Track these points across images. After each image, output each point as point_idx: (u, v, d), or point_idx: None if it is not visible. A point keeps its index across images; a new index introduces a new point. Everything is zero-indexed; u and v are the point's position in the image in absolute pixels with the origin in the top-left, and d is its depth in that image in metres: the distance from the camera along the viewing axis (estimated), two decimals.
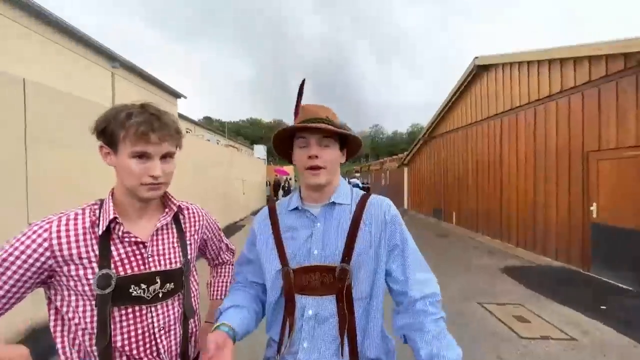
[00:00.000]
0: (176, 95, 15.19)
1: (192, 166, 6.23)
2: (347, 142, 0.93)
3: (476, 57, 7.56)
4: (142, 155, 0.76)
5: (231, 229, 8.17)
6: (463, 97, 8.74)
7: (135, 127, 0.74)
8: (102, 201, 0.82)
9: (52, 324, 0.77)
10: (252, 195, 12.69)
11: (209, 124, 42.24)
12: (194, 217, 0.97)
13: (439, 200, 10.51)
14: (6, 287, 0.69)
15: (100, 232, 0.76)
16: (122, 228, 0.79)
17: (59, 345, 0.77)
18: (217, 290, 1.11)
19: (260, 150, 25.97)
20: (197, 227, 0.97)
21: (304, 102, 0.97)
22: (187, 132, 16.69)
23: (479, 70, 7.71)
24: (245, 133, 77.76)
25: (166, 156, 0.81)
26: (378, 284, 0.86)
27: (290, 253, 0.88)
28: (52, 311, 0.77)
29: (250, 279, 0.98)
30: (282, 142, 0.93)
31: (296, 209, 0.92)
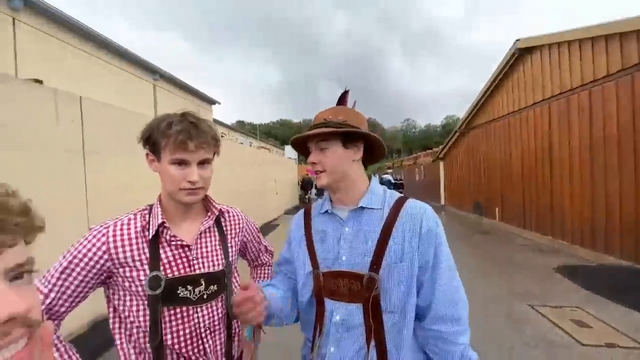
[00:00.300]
0: (211, 102, 15.94)
1: (227, 169, 6.50)
2: (356, 137, 0.86)
3: (517, 40, 6.98)
4: (180, 162, 0.81)
5: (265, 229, 8.39)
6: (504, 84, 8.12)
7: (175, 136, 0.79)
8: (151, 206, 0.87)
9: (111, 321, 0.83)
10: (285, 195, 12.95)
11: (242, 127, 43.85)
12: (235, 220, 1.01)
13: (479, 195, 9.90)
14: (72, 287, 0.76)
15: (150, 236, 0.82)
16: (169, 232, 0.84)
17: (117, 342, 0.83)
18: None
19: (291, 150, 26.30)
20: (237, 230, 1.01)
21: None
22: (222, 136, 17.38)
23: (521, 54, 7.10)
24: (276, 134, 79.62)
25: (203, 162, 0.84)
26: (412, 301, 0.80)
27: (320, 256, 0.88)
28: (111, 309, 0.84)
29: (289, 276, 1.01)
30: (305, 149, 0.95)
31: (326, 212, 0.92)
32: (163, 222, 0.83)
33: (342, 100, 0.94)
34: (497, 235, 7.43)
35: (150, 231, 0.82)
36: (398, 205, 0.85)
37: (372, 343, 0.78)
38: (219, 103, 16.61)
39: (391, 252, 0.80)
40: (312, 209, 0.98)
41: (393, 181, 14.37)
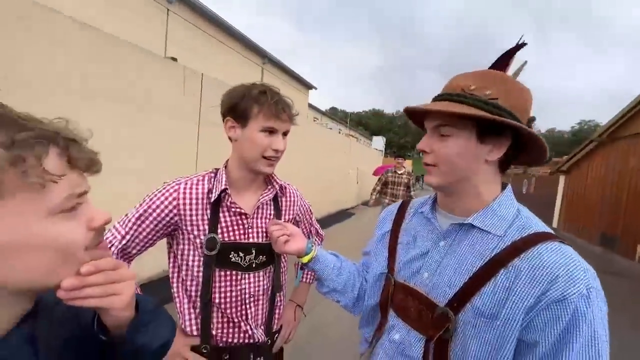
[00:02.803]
0: (308, 86, 16.68)
1: (314, 151, 6.72)
2: (512, 133, 0.58)
3: None
4: (271, 131, 0.83)
5: (340, 216, 8.47)
6: None
7: (271, 105, 0.81)
8: (217, 170, 0.91)
9: (170, 270, 0.90)
10: (366, 186, 12.79)
11: (334, 114, 44.91)
12: (291, 197, 1.01)
13: (613, 226, 7.72)
14: (144, 233, 0.83)
15: (212, 200, 0.85)
16: (229, 198, 0.87)
17: (174, 289, 0.90)
18: (305, 274, 1.16)
19: (379, 141, 25.76)
20: (292, 207, 1.01)
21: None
22: (314, 120, 18.27)
23: None
24: (367, 124, 79.21)
25: (285, 134, 0.88)
26: None
27: (400, 262, 0.73)
28: (171, 259, 0.90)
29: (364, 267, 0.90)
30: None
31: (423, 213, 0.73)
32: (225, 189, 0.86)
33: (501, 62, 0.64)
34: (636, 281, 5.68)
35: (214, 195, 0.85)
36: (529, 241, 0.56)
37: None
38: (316, 88, 17.24)
39: (484, 298, 0.56)
40: (409, 204, 0.81)
41: None
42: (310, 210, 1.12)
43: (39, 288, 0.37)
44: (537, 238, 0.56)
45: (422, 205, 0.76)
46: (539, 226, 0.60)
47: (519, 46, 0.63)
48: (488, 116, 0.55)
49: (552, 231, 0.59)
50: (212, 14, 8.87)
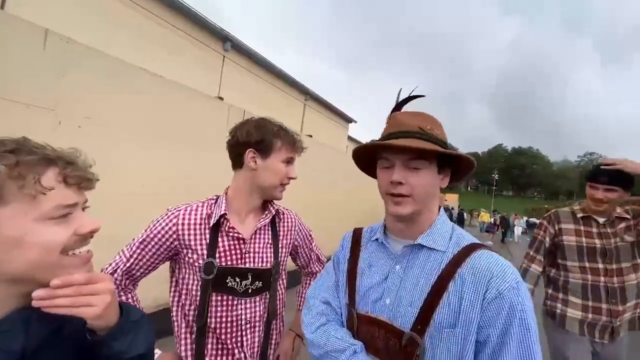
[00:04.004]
0: (348, 120, 17.18)
1: (351, 183, 6.77)
2: (451, 161, 0.70)
3: None
4: (289, 161, 0.92)
5: None
6: None
7: (292, 138, 0.92)
8: (217, 197, 0.97)
9: (171, 295, 0.94)
10: None
11: None
12: (289, 222, 1.04)
13: None
14: (147, 256, 0.89)
15: (211, 224, 0.89)
16: (228, 223, 0.90)
17: (173, 314, 0.93)
18: (302, 300, 1.14)
19: None
20: (290, 232, 1.03)
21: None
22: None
23: None
24: None
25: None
26: None
27: (360, 292, 0.73)
28: (173, 284, 0.94)
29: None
30: (363, 159, 0.77)
31: (377, 240, 0.76)
32: (225, 214, 0.90)
33: (404, 102, 0.75)
34: None
35: (212, 219, 0.90)
36: (465, 252, 0.65)
37: None
38: (355, 122, 17.67)
39: (443, 311, 0.62)
40: (363, 232, 0.84)
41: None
42: (310, 236, 1.12)
43: (29, 280, 0.46)
44: (472, 247, 0.66)
45: (374, 232, 0.79)
46: (471, 239, 0.70)
47: (416, 96, 0.76)
48: (453, 152, 0.66)
49: (480, 242, 0.70)
50: (261, 58, 9.91)
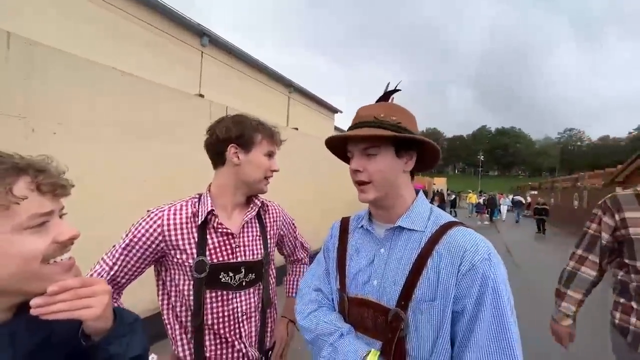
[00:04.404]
0: (334, 110, 17.12)
1: (338, 172, 6.80)
2: (412, 145, 0.73)
3: None
4: (270, 154, 0.94)
5: None
6: None
7: (272, 133, 0.94)
8: (200, 195, 0.96)
9: (159, 298, 0.93)
10: None
11: None
12: (274, 213, 1.06)
13: None
14: (132, 262, 0.86)
15: (199, 222, 0.88)
16: (216, 220, 0.90)
17: (164, 317, 0.92)
18: (292, 288, 1.18)
19: None
20: (276, 223, 1.06)
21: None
22: None
23: None
24: None
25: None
26: (444, 353, 0.65)
27: (350, 275, 0.77)
28: (160, 287, 0.93)
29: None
30: (339, 152, 0.81)
31: (362, 227, 0.80)
32: (212, 210, 0.89)
33: (387, 96, 0.78)
34: None
35: (199, 217, 0.89)
36: (442, 230, 0.70)
37: None
38: (341, 112, 17.62)
39: (423, 286, 0.67)
40: (350, 220, 0.87)
41: (524, 202, 11.60)
42: (293, 225, 1.16)
43: (12, 291, 0.45)
44: (448, 225, 0.71)
45: (360, 220, 0.83)
46: (448, 217, 0.74)
47: (396, 90, 0.79)
48: (405, 135, 0.69)
49: (457, 220, 0.74)
50: (239, 52, 9.68)
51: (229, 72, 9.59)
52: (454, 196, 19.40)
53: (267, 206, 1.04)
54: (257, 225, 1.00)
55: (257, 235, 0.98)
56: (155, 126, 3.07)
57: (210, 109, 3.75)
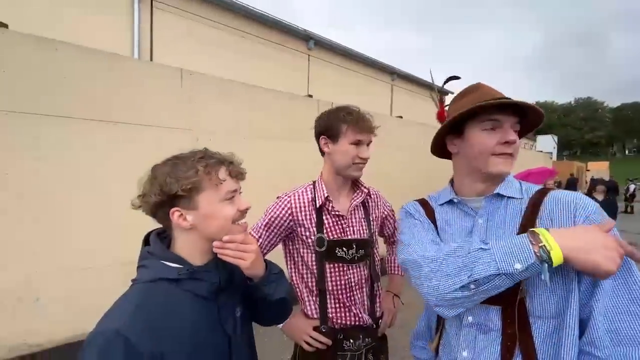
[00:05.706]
0: (443, 93, 15.55)
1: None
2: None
3: None
4: (358, 143, 1.02)
5: None
6: None
7: (357, 122, 1.01)
8: (314, 182, 1.13)
9: (287, 266, 1.14)
10: None
11: None
12: (376, 199, 1.17)
13: None
14: (271, 236, 1.09)
15: (317, 206, 1.06)
16: (330, 204, 1.06)
17: (293, 282, 1.12)
18: (393, 266, 1.30)
19: (547, 141, 20.54)
20: (378, 208, 1.16)
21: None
22: None
23: None
24: None
25: (369, 144, 1.05)
26: (572, 302, 0.62)
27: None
28: (288, 257, 1.15)
29: None
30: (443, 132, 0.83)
31: (450, 202, 0.80)
32: (328, 196, 1.06)
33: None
34: None
35: (317, 202, 1.06)
36: (541, 194, 0.73)
37: (518, 354, 0.66)
38: (452, 93, 15.84)
39: None
40: (428, 200, 0.88)
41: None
42: (392, 210, 1.25)
43: (217, 239, 0.69)
44: (545, 190, 0.74)
45: (443, 197, 0.85)
46: (537, 186, 0.77)
47: (454, 77, 0.90)
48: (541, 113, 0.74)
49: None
50: (341, 48, 10.01)
51: (334, 70, 10.08)
52: (633, 187, 13.76)
53: (372, 194, 1.17)
54: (362, 209, 1.13)
55: (362, 218, 1.11)
56: (279, 129, 3.63)
57: (318, 106, 4.10)
